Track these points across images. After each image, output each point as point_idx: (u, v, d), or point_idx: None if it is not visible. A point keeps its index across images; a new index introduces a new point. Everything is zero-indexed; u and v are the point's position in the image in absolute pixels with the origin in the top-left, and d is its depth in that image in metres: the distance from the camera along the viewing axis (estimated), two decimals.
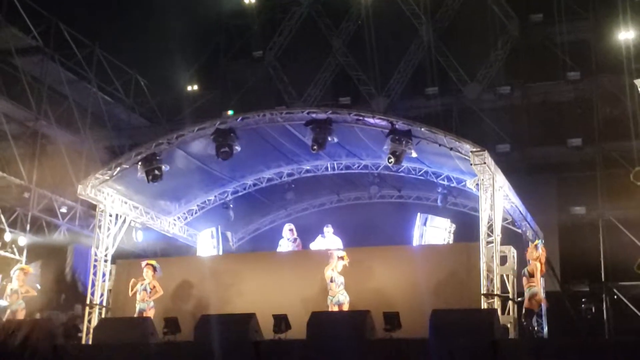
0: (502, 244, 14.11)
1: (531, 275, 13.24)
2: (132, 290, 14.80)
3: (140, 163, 15.67)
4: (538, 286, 13.27)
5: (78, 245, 22.67)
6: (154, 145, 15.68)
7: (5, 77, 21.75)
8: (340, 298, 13.78)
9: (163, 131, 20.04)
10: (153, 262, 15.03)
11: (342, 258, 13.97)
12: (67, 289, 22.21)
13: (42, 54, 22.70)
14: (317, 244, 16.29)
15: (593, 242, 21.85)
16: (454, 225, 16.10)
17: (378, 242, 16.34)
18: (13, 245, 21.21)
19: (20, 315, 15.10)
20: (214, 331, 12.62)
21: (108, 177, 16.12)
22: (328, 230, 16.28)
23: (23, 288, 15.31)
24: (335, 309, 13.73)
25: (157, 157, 15.64)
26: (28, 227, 21.57)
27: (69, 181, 22.29)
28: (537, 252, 13.42)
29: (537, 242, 14.07)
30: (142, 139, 19.69)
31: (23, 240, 21.34)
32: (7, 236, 20.99)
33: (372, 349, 11.75)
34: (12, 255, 21.00)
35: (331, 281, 13.83)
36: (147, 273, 14.77)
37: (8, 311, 15.30)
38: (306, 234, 16.82)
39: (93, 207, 17.67)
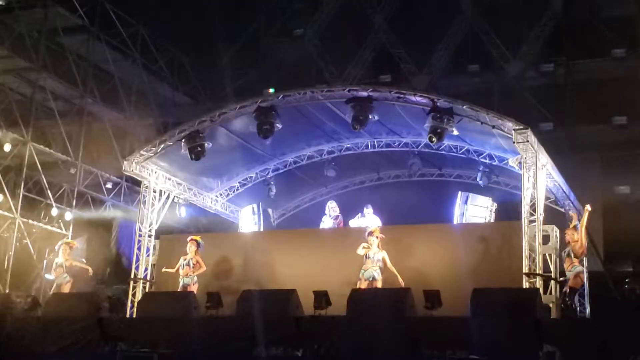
0: (544, 223, 13.97)
1: (575, 256, 13.12)
2: (174, 269, 15.03)
3: (183, 140, 15.86)
4: (580, 264, 13.17)
5: (123, 221, 23.10)
6: (197, 123, 15.86)
7: (52, 55, 22.12)
8: (373, 274, 13.71)
9: (206, 109, 20.18)
10: (197, 237, 15.26)
11: (371, 233, 13.91)
12: (112, 264, 22.67)
13: (88, 33, 23.03)
14: (356, 222, 16.36)
15: (637, 222, 21.54)
16: (495, 204, 16.03)
17: (418, 220, 16.33)
18: (60, 220, 21.70)
19: (66, 289, 15.48)
20: (255, 306, 12.78)
21: (152, 154, 16.36)
22: (368, 211, 16.31)
23: (68, 262, 15.67)
24: (365, 284, 13.70)
25: (200, 135, 15.82)
26: (74, 202, 22.02)
27: (114, 157, 22.74)
28: (577, 234, 13.27)
29: (574, 223, 13.85)
30: (186, 116, 19.89)
31: (69, 215, 21.81)
32: (54, 211, 21.47)
33: (413, 327, 11.76)
34: (58, 230, 21.49)
35: (367, 257, 13.82)
36: (191, 248, 15.00)
37: (54, 285, 15.69)
38: (346, 211, 16.89)
39: (137, 183, 17.98)
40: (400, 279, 13.66)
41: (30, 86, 21.63)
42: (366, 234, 14.00)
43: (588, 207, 13.63)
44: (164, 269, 15.46)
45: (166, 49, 26.24)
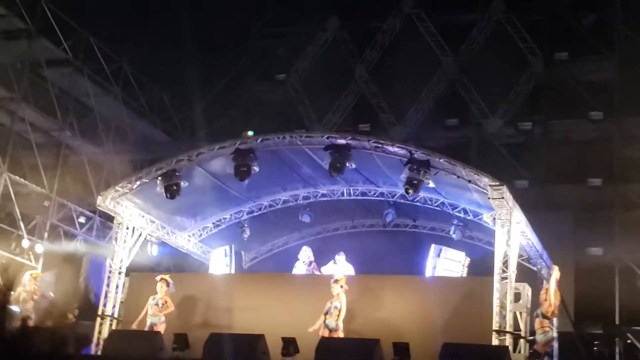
0: (516, 280, 13.96)
1: (545, 317, 13.10)
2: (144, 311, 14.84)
3: (160, 178, 15.79)
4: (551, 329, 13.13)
5: (93, 256, 22.84)
6: (174, 162, 15.81)
7: (34, 87, 22.10)
8: (332, 324, 13.61)
9: (184, 148, 20.17)
10: (167, 277, 15.12)
11: (336, 281, 13.85)
12: (80, 299, 22.33)
13: (71, 67, 23.04)
14: (328, 269, 16.30)
15: (609, 284, 21.68)
16: (468, 259, 16.06)
17: (390, 270, 16.31)
18: (30, 252, 21.41)
19: (30, 322, 15.20)
20: (222, 350, 12.67)
21: (128, 190, 16.26)
22: (340, 258, 16.29)
23: (34, 294, 15.46)
24: (325, 333, 13.56)
25: (177, 173, 15.76)
26: (46, 235, 21.78)
27: (89, 192, 22.53)
28: (546, 294, 13.24)
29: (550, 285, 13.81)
30: (163, 154, 19.82)
31: (40, 247, 21.54)
32: (25, 243, 21.19)
33: None
34: (28, 262, 21.18)
35: (327, 307, 13.74)
36: (161, 287, 14.86)
37: (19, 317, 15.41)
38: (319, 257, 16.83)
39: (110, 218, 17.82)
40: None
41: (10, 116, 21.53)
42: (332, 280, 13.93)
43: (555, 268, 13.66)
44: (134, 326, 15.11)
45: (148, 86, 26.31)
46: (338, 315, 13.65)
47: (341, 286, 13.79)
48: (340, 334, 13.57)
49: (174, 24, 26.32)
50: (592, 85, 24.10)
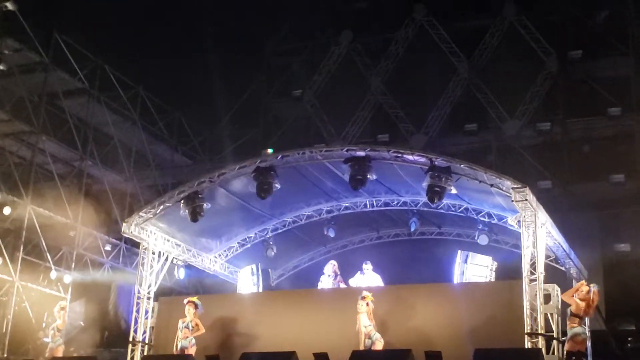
0: (545, 281, 13.87)
1: (575, 315, 12.92)
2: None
3: (182, 201, 15.87)
4: (580, 326, 12.95)
5: (121, 283, 22.97)
6: (196, 184, 15.89)
7: (52, 118, 22.32)
8: (366, 342, 13.50)
9: (205, 170, 20.33)
10: (194, 299, 15.13)
11: (363, 298, 13.76)
12: (110, 327, 22.45)
13: (88, 96, 23.27)
14: (356, 281, 16.28)
15: (638, 280, 21.45)
16: (495, 263, 15.98)
17: (418, 279, 16.28)
18: (58, 283, 21.55)
19: (58, 352, 15.35)
20: None
21: (151, 216, 16.35)
22: (367, 267, 16.30)
23: (62, 324, 15.64)
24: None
25: (200, 196, 15.84)
26: (73, 265, 21.93)
27: (114, 219, 22.76)
28: (587, 295, 13.02)
29: (591, 285, 13.57)
30: (185, 177, 20.04)
31: (68, 278, 21.68)
32: (53, 274, 21.35)
33: None
34: (57, 293, 21.32)
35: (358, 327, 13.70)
36: (189, 310, 14.84)
37: (48, 348, 15.57)
38: (346, 270, 16.82)
39: (136, 244, 17.92)
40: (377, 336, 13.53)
41: (30, 149, 21.74)
42: (360, 297, 13.89)
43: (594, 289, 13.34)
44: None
45: (165, 110, 26.51)
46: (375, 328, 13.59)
47: (367, 304, 13.74)
48: (378, 346, 13.51)
49: (187, 47, 26.61)
50: (609, 82, 23.99)
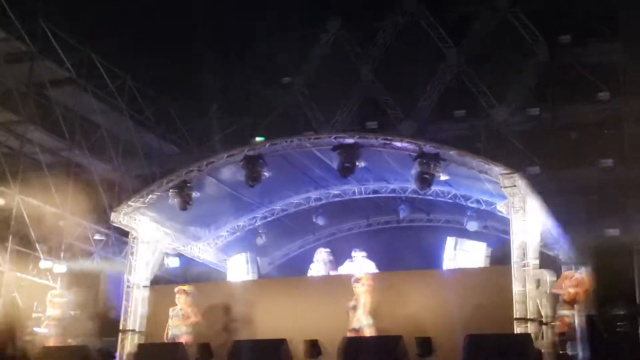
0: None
1: (567, 302, 12.96)
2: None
3: (171, 190, 15.84)
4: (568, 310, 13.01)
5: (111, 272, 22.92)
6: (184, 173, 15.86)
7: (39, 108, 22.22)
8: (355, 325, 13.52)
9: (194, 158, 20.23)
10: (185, 287, 15.13)
11: (357, 280, 13.76)
12: (101, 316, 22.41)
13: (75, 85, 23.15)
14: (345, 268, 16.29)
15: (627, 264, 21.56)
16: (490, 249, 15.99)
17: (408, 266, 16.29)
18: (48, 273, 21.51)
19: (52, 343, 15.32)
20: (246, 357, 12.69)
21: (140, 205, 16.31)
22: (355, 254, 16.30)
23: (61, 313, 15.65)
24: (352, 334, 13.47)
25: (188, 184, 15.81)
26: (62, 255, 21.87)
27: (102, 209, 22.68)
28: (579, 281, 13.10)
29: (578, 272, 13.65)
30: (174, 166, 19.94)
31: (58, 268, 21.62)
32: (42, 264, 21.29)
33: None
34: (47, 282, 21.28)
35: (352, 307, 13.67)
36: (180, 299, 14.84)
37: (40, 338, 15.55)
38: (335, 258, 16.86)
39: (126, 234, 17.89)
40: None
41: (18, 139, 21.66)
42: (352, 280, 13.87)
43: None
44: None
45: (153, 99, 26.41)
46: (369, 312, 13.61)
47: (363, 284, 13.73)
48: (367, 333, 13.53)
49: (175, 35, 26.46)
50: (598, 67, 24.01)
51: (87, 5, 24.61)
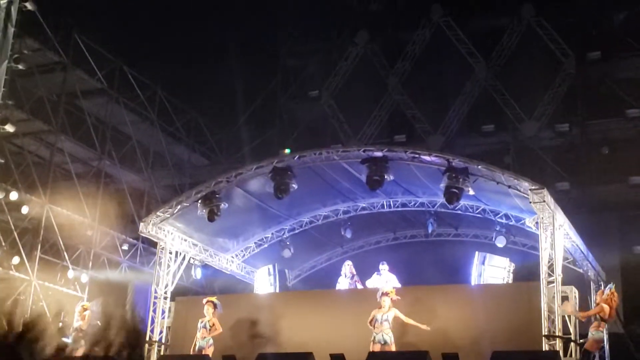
0: (563, 283, 13.81)
1: (603, 320, 12.81)
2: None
3: (200, 201, 15.94)
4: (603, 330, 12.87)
5: (138, 282, 23.04)
6: (213, 184, 15.96)
7: (71, 118, 22.46)
8: (384, 337, 13.41)
9: (222, 170, 20.35)
10: (214, 299, 15.16)
11: (386, 294, 13.68)
12: (127, 326, 22.50)
13: (107, 96, 23.39)
14: (373, 282, 16.26)
15: None
16: (513, 264, 15.92)
17: (435, 280, 16.25)
18: (76, 283, 21.66)
19: (78, 353, 15.42)
20: None
21: (169, 215, 16.43)
22: (383, 267, 16.28)
23: (85, 325, 15.67)
24: (377, 348, 13.40)
25: (217, 195, 15.90)
26: (90, 264, 22.03)
27: (131, 219, 22.86)
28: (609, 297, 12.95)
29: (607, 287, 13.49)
30: (202, 177, 20.09)
31: (85, 277, 21.78)
32: (70, 273, 21.45)
33: None
34: (74, 292, 21.43)
35: (376, 320, 13.52)
36: (208, 310, 14.85)
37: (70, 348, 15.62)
38: (363, 271, 16.81)
39: (153, 244, 18.00)
40: (423, 326, 13.47)
41: (49, 148, 21.87)
42: (379, 293, 13.80)
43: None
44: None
45: (183, 110, 26.61)
46: (391, 328, 13.53)
47: (392, 299, 13.67)
48: (393, 348, 13.47)
49: (205, 48, 26.68)
50: (627, 83, 23.80)
51: (119, 17, 24.90)
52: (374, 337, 13.49)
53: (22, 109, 20.77)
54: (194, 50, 26.77)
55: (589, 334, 12.95)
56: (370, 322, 13.57)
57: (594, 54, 24.86)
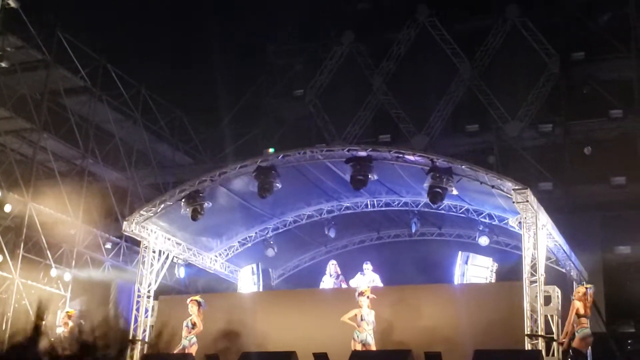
0: (546, 283, 13.87)
1: (583, 316, 12.86)
2: None
3: (183, 200, 15.90)
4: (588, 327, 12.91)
5: (121, 281, 22.96)
6: (197, 183, 15.93)
7: (54, 116, 22.32)
8: (367, 337, 13.41)
9: (206, 169, 20.31)
10: (197, 297, 15.14)
11: (362, 293, 13.62)
12: (110, 325, 22.41)
13: (90, 94, 23.28)
14: (356, 281, 16.28)
15: (639, 282, 21.46)
16: (496, 264, 15.99)
17: (418, 280, 16.31)
18: (59, 281, 21.56)
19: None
20: None
21: (152, 214, 16.37)
22: (367, 267, 16.31)
23: (67, 334, 15.66)
24: (359, 347, 13.40)
25: (200, 194, 15.86)
26: (74, 262, 21.93)
27: (114, 218, 22.77)
28: (584, 296, 13.03)
29: (587, 286, 13.58)
30: (186, 176, 20.05)
31: (68, 275, 21.67)
32: (53, 272, 21.34)
33: None
34: (57, 291, 21.33)
35: (361, 319, 13.52)
36: (192, 309, 14.82)
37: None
38: (347, 270, 16.85)
39: (137, 243, 17.94)
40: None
41: (32, 147, 21.74)
42: (357, 294, 13.78)
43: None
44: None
45: (167, 109, 26.53)
46: (373, 329, 13.53)
47: (367, 297, 13.66)
48: (373, 348, 13.49)
49: (190, 47, 26.61)
50: (611, 84, 23.98)
51: (103, 15, 24.80)
52: (357, 336, 13.47)
53: (4, 106, 20.65)
54: (178, 49, 26.74)
55: (575, 335, 12.98)
56: (353, 320, 13.55)
57: (578, 55, 25.04)
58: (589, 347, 13.31)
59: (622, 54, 24.17)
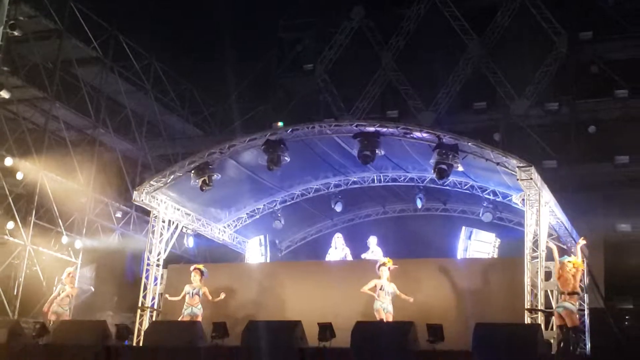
0: (547, 259, 14.13)
1: (568, 293, 13.08)
2: (179, 297, 15.27)
3: (193, 171, 16.15)
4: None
5: (131, 249, 23.31)
6: (206, 155, 16.15)
7: (66, 86, 22.51)
8: (389, 306, 13.93)
9: (216, 141, 20.53)
10: (200, 266, 15.46)
11: (383, 264, 14.15)
12: (120, 292, 22.84)
13: (102, 65, 23.46)
14: (368, 256, 16.54)
15: (638, 260, 21.74)
16: (498, 240, 16.25)
17: (422, 254, 16.56)
18: (69, 248, 21.92)
19: (70, 317, 15.81)
20: (260, 337, 12.93)
21: (162, 185, 16.64)
22: (372, 240, 16.58)
23: (74, 290, 16.12)
24: (382, 315, 13.88)
25: (210, 166, 16.10)
26: (84, 231, 22.27)
27: (125, 187, 23.08)
28: (562, 270, 13.26)
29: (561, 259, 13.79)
30: (196, 148, 20.22)
31: (79, 243, 22.03)
32: (64, 239, 21.70)
33: None
34: (68, 258, 21.69)
35: (381, 289, 13.98)
36: (195, 277, 15.18)
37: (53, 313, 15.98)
38: (352, 244, 17.11)
39: (147, 212, 18.24)
40: (410, 299, 14.00)
41: (44, 116, 21.95)
42: (377, 265, 14.19)
43: (580, 241, 13.75)
44: (169, 297, 15.68)
45: (178, 81, 26.70)
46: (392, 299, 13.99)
47: (389, 268, 14.12)
48: (391, 318, 13.90)
49: (201, 20, 26.71)
50: (617, 64, 24.06)
51: None
52: (380, 305, 13.91)
53: (17, 75, 20.85)
54: (189, 23, 26.81)
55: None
56: (373, 290, 13.95)
57: (586, 34, 25.08)
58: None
59: (630, 33, 24.21)
